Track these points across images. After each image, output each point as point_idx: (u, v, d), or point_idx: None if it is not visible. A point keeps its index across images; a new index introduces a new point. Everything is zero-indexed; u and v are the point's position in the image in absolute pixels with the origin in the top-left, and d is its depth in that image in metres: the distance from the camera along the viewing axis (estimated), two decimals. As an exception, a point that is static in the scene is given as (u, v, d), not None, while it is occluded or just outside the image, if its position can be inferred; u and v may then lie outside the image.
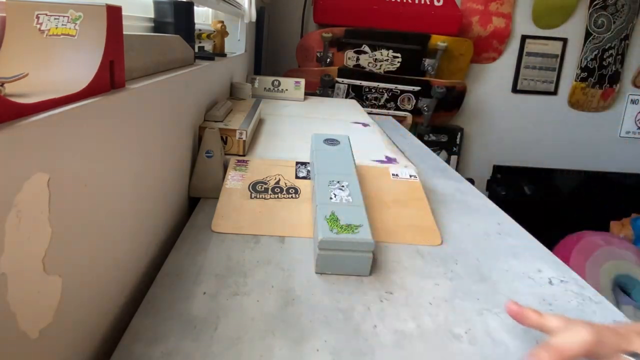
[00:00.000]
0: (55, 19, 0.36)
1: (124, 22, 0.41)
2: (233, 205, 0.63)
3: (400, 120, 1.99)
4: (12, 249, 0.25)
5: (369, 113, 1.39)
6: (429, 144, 1.82)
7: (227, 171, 0.71)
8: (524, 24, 2.49)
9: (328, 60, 2.19)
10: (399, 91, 2.16)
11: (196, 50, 0.94)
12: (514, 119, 2.63)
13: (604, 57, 2.54)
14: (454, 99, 2.27)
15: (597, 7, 2.46)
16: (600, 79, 2.58)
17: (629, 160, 2.71)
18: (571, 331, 0.37)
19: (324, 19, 2.21)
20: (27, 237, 0.26)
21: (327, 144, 0.74)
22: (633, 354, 0.33)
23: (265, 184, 0.68)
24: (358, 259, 0.51)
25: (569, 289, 0.53)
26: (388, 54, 2.18)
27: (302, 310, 0.45)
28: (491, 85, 2.58)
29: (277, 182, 0.69)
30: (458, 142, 2.49)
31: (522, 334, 0.44)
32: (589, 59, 2.54)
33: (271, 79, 1.49)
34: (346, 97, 2.16)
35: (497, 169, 2.68)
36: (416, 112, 2.22)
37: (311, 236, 0.59)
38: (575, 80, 2.57)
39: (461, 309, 0.47)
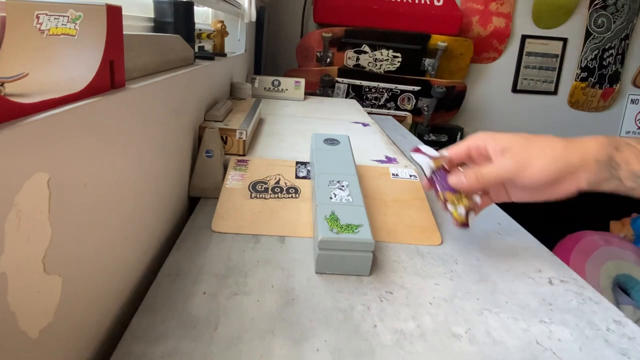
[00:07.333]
0: (55, 18, 0.36)
1: (124, 22, 0.41)
2: (233, 205, 0.63)
3: (400, 120, 1.99)
4: (12, 249, 0.25)
5: (369, 113, 1.39)
6: (429, 143, 1.83)
7: (227, 171, 0.71)
8: (524, 24, 2.49)
9: (328, 60, 2.19)
10: (399, 91, 2.16)
11: (196, 50, 0.94)
12: (514, 118, 2.63)
13: (604, 57, 2.54)
14: (454, 98, 2.27)
15: (597, 7, 2.46)
16: (600, 78, 2.58)
17: (629, 160, 2.70)
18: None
19: (324, 19, 2.21)
20: (27, 237, 0.26)
21: (327, 144, 0.74)
22: None
23: (265, 183, 0.68)
24: (358, 259, 0.51)
25: (569, 289, 0.53)
26: (388, 54, 2.18)
27: (302, 310, 0.45)
28: (491, 85, 2.58)
29: (277, 182, 0.69)
30: (458, 142, 2.49)
31: (522, 334, 0.44)
32: (589, 59, 2.54)
33: (271, 78, 1.49)
34: (346, 97, 2.16)
35: (497, 168, 2.67)
36: (416, 112, 2.22)
37: (311, 236, 0.59)
38: (576, 80, 2.57)
39: (461, 308, 0.47)
